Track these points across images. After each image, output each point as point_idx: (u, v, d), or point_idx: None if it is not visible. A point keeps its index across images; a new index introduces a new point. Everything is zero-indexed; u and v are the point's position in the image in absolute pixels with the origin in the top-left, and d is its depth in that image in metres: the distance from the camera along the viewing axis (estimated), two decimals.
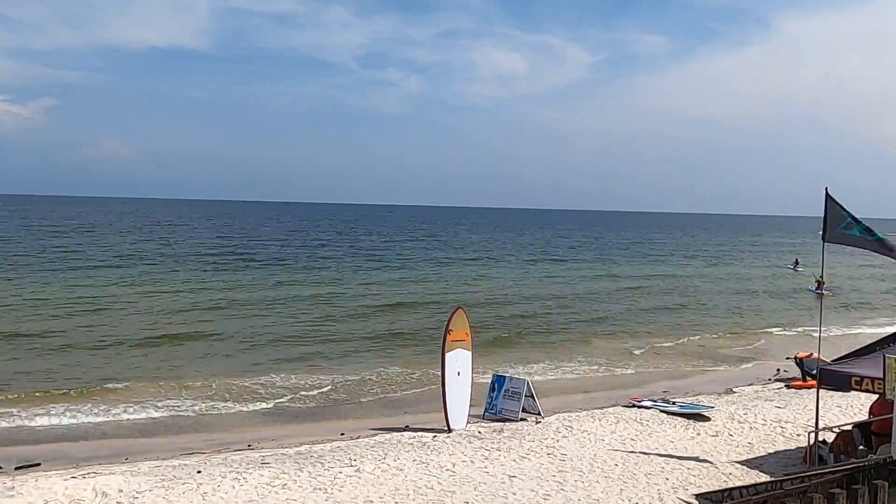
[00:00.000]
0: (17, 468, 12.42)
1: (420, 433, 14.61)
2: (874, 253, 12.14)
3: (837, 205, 11.95)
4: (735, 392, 19.08)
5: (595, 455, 12.91)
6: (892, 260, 12.50)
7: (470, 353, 15.47)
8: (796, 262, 60.65)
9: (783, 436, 14.46)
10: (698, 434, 14.58)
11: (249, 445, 14.14)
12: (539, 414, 15.78)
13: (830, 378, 12.13)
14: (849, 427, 12.77)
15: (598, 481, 11.49)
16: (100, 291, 35.18)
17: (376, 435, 14.65)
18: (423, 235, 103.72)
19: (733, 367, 23.68)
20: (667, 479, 11.65)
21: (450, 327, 15.01)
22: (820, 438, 12.59)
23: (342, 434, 15.01)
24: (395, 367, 21.72)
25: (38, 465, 12.72)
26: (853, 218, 11.84)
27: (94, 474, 11.35)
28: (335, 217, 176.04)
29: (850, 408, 16.08)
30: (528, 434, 14.20)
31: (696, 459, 12.84)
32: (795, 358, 20.62)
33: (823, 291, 39.80)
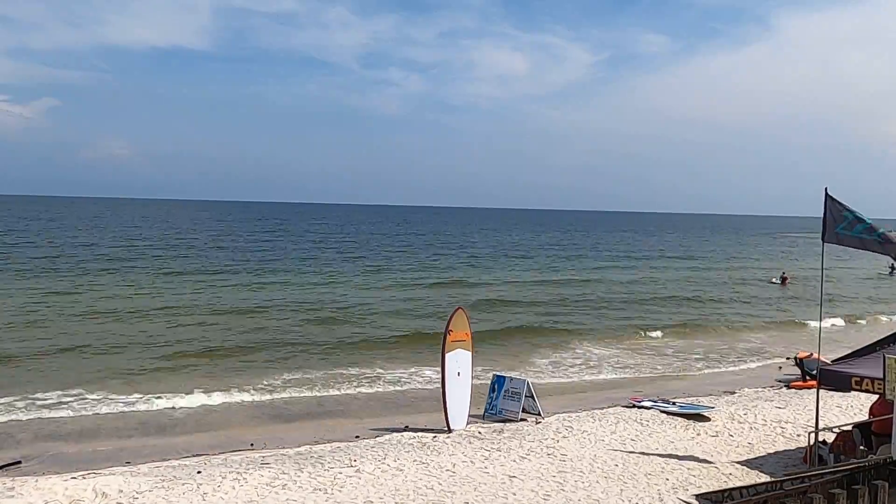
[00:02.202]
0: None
1: (420, 433, 14.61)
2: (873, 252, 12.03)
3: (839, 203, 11.87)
4: (735, 392, 19.07)
5: (595, 455, 12.91)
6: (892, 257, 12.35)
7: (470, 353, 15.47)
8: (893, 268, 56.85)
9: (783, 436, 14.46)
10: (698, 434, 14.58)
11: (251, 445, 14.15)
12: (539, 414, 15.78)
13: (830, 378, 12.13)
14: (849, 427, 12.78)
15: (598, 481, 11.50)
16: (103, 292, 35.22)
17: (376, 435, 14.66)
18: (427, 235, 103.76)
19: (733, 367, 23.67)
20: (667, 479, 11.66)
21: (450, 327, 15.01)
22: (820, 439, 12.59)
23: (342, 434, 14.99)
24: (396, 367, 21.72)
25: (20, 463, 12.66)
26: (856, 216, 11.71)
27: (94, 474, 11.35)
28: (330, 217, 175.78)
29: (851, 408, 16.09)
30: (528, 434, 14.19)
31: (697, 459, 12.85)
32: (795, 358, 20.65)
33: (787, 284, 48.46)
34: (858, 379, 11.16)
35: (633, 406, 16.75)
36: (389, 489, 10.99)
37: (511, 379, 16.48)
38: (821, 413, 12.90)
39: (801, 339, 27.70)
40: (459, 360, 15.13)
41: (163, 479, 11.15)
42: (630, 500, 10.66)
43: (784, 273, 52.00)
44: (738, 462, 12.74)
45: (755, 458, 12.99)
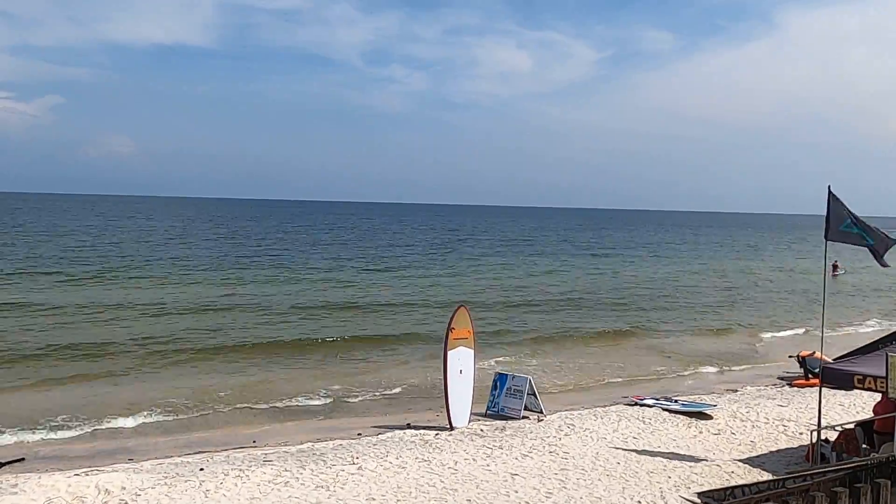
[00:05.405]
0: (0, 465, 12.42)
1: (422, 431, 14.63)
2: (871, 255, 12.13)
3: (840, 204, 11.96)
4: (737, 391, 19.07)
5: (597, 453, 12.92)
6: (880, 266, 12.42)
7: (472, 351, 15.48)
8: None
9: (785, 434, 14.46)
10: (700, 432, 14.58)
11: (254, 442, 14.17)
12: (541, 412, 15.79)
13: (833, 376, 12.13)
14: (851, 426, 12.77)
15: (600, 479, 11.50)
16: (101, 293, 35.25)
17: (378, 433, 14.67)
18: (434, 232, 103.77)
19: (736, 365, 23.64)
20: (669, 477, 11.66)
21: (452, 325, 15.02)
22: (822, 437, 12.59)
23: (344, 432, 15.02)
24: (398, 364, 21.73)
25: (23, 459, 12.68)
26: (854, 218, 11.85)
27: (96, 471, 11.39)
28: (329, 215, 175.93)
29: (853, 406, 16.08)
30: (531, 432, 14.20)
31: (699, 458, 12.85)
32: (798, 356, 20.61)
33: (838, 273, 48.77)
34: (861, 377, 11.16)
35: (636, 404, 16.75)
36: (391, 486, 11.00)
37: (513, 377, 16.48)
38: (823, 411, 12.91)
39: (804, 338, 27.65)
40: (461, 358, 15.14)
41: (165, 476, 11.17)
42: (632, 498, 10.66)
43: (836, 261, 48.10)
44: (740, 460, 12.74)
45: (757, 457, 12.99)
